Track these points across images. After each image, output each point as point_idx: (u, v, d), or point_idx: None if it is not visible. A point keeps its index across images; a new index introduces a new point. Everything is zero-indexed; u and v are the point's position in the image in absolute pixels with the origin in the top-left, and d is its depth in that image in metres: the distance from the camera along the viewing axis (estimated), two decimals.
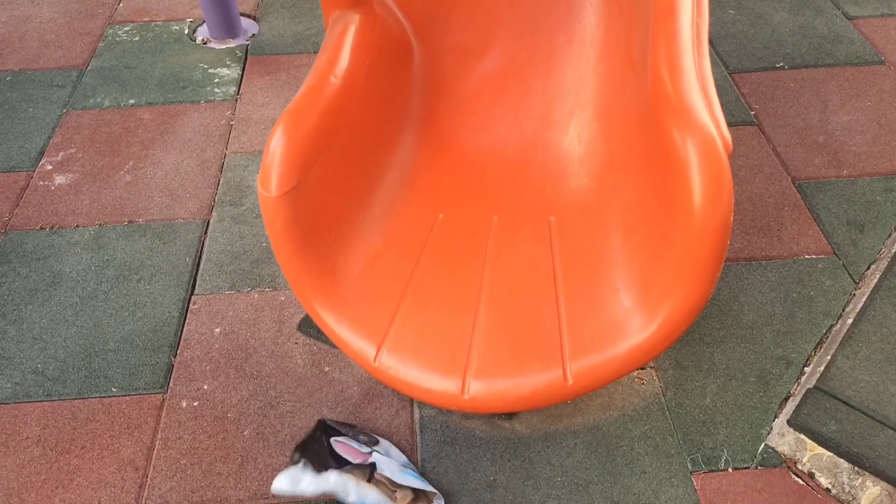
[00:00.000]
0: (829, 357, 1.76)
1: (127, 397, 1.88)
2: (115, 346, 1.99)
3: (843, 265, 2.11)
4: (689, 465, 1.71)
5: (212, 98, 2.81)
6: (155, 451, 1.76)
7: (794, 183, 2.37)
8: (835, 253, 2.15)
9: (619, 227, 1.73)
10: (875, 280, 1.94)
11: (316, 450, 1.72)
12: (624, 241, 1.69)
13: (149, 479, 1.71)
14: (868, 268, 2.10)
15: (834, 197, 2.32)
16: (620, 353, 1.59)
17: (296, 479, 1.60)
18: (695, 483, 1.67)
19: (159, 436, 1.79)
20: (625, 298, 1.61)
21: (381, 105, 1.97)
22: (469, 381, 1.67)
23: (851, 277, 2.07)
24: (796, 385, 1.83)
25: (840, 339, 1.79)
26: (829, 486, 1.64)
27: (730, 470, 1.70)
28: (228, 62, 2.99)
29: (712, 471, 1.70)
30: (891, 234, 2.18)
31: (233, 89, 2.85)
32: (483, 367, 1.68)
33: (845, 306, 1.99)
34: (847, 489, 1.61)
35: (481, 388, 1.66)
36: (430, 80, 2.11)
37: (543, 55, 2.01)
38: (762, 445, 1.73)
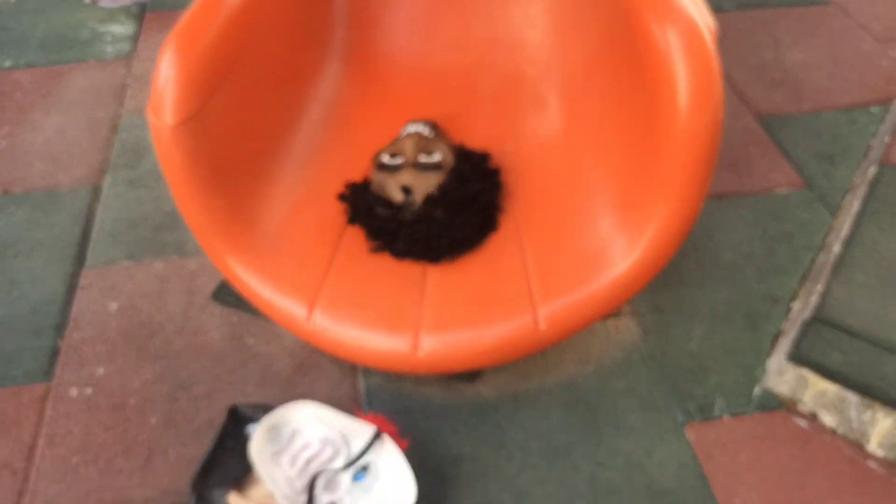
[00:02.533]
0: (820, 288, 1.58)
1: (1, 389, 1.52)
2: None
3: (818, 197, 1.95)
4: (680, 416, 1.48)
5: (102, 57, 2.44)
6: (38, 450, 1.41)
7: (756, 118, 2.21)
8: (807, 185, 1.99)
9: (588, 150, 1.50)
10: (856, 207, 1.77)
11: (233, 448, 1.39)
12: (595, 163, 1.46)
13: (30, 483, 1.36)
14: (843, 198, 1.94)
15: (799, 131, 2.17)
16: (600, 288, 1.34)
17: None
18: (688, 436, 1.45)
19: (43, 431, 1.44)
20: (602, 225, 1.38)
21: (297, 30, 1.68)
22: (422, 337, 1.39)
23: (827, 209, 1.91)
24: (786, 321, 1.64)
25: (830, 267, 1.61)
26: (835, 426, 1.45)
27: (726, 417, 1.48)
28: (122, 19, 2.62)
29: (707, 419, 1.48)
30: (861, 162, 2.04)
31: (127, 47, 2.49)
32: (437, 320, 1.41)
33: (825, 237, 1.82)
34: (855, 426, 1.42)
35: (436, 344, 1.39)
36: (355, 9, 1.83)
37: None
38: (758, 388, 1.53)
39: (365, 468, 1.33)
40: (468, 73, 1.77)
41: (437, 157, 1.47)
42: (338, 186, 1.62)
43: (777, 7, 2.70)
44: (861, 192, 1.84)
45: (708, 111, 1.20)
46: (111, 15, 2.64)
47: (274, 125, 1.59)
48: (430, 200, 1.46)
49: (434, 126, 1.56)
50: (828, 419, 1.45)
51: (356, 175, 1.63)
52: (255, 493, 1.31)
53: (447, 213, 1.45)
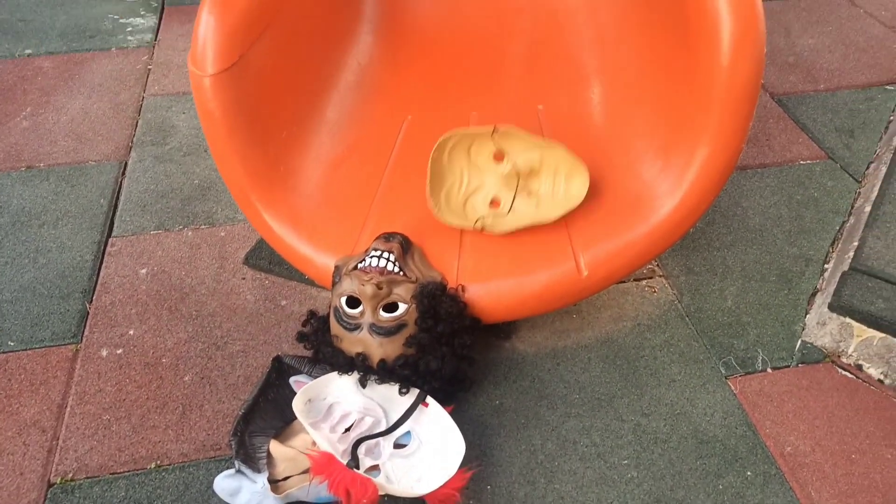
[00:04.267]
0: (855, 243, 1.57)
1: (28, 351, 1.48)
2: (11, 297, 1.59)
3: (842, 167, 1.96)
4: (722, 369, 1.46)
5: (125, 45, 2.46)
6: (68, 409, 1.38)
7: (773, 98, 2.23)
8: (829, 157, 2.00)
9: (624, 100, 1.50)
10: (883, 171, 1.78)
11: (274, 399, 1.36)
12: (633, 112, 1.47)
13: (60, 440, 1.32)
14: (868, 166, 1.95)
15: (816, 108, 2.19)
16: (643, 232, 1.34)
17: (232, 490, 1.23)
18: (732, 387, 1.43)
19: (73, 390, 1.41)
20: (644, 171, 1.38)
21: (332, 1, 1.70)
22: (464, 287, 1.38)
23: (852, 177, 1.92)
24: (821, 280, 1.63)
25: (864, 224, 1.61)
26: (882, 376, 1.43)
27: (769, 370, 1.46)
28: (142, 12, 2.65)
29: (749, 373, 1.46)
30: (883, 134, 2.06)
31: (149, 36, 2.51)
32: (478, 269, 1.40)
33: (854, 201, 1.83)
34: None
35: (478, 293, 1.37)
36: None
37: None
38: (799, 342, 1.51)
39: (407, 434, 1.30)
40: (496, 39, 1.79)
41: (398, 311, 1.29)
42: (371, 148, 1.62)
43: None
44: (886, 157, 1.85)
45: (752, 45, 1.21)
46: (131, 8, 2.67)
47: (309, 86, 1.60)
48: (384, 367, 1.30)
49: (402, 243, 1.35)
50: (874, 370, 1.44)
51: (390, 132, 1.63)
52: (296, 443, 1.28)
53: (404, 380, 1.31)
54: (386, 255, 1.32)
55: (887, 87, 2.27)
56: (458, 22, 1.80)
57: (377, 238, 1.37)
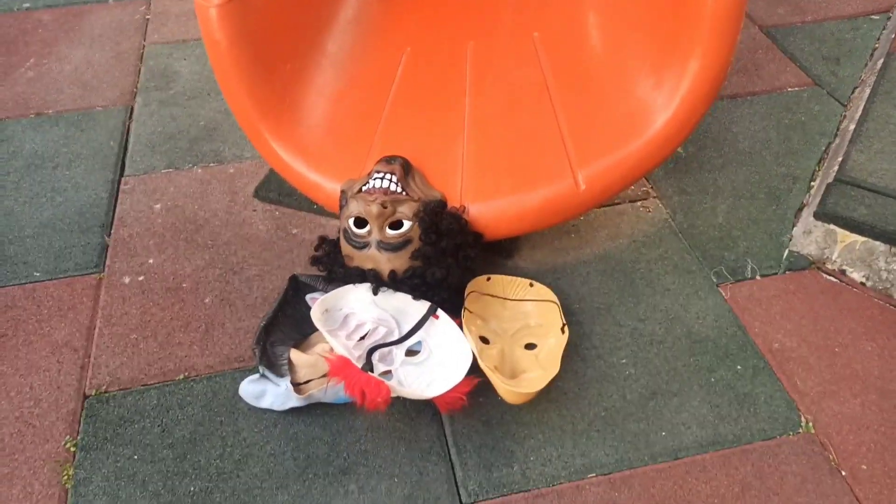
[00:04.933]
0: (840, 158, 1.65)
1: (54, 281, 1.56)
2: (32, 232, 1.66)
3: (828, 93, 2.02)
4: (713, 278, 1.55)
5: None
6: (96, 330, 1.46)
7: (762, 30, 2.29)
8: (816, 83, 2.06)
9: (617, 24, 1.56)
10: (867, 93, 1.85)
11: (291, 315, 1.45)
12: (626, 35, 1.52)
13: (92, 357, 1.40)
14: (853, 91, 2.02)
15: (804, 38, 2.24)
16: (639, 146, 1.40)
17: (257, 394, 1.32)
18: (723, 293, 1.51)
19: (99, 314, 1.48)
20: (638, 87, 1.44)
21: None
22: (466, 207, 1.45)
23: (839, 101, 1.99)
24: (807, 196, 1.71)
25: (848, 141, 1.68)
26: (864, 279, 1.52)
27: (757, 277, 1.55)
28: None
29: (739, 280, 1.54)
30: (868, 61, 2.12)
31: None
32: (480, 189, 1.47)
33: (840, 123, 1.90)
34: (884, 276, 1.49)
35: (481, 211, 1.45)
36: None
37: None
38: (786, 252, 1.59)
39: (419, 343, 1.39)
40: None
41: (403, 228, 1.37)
42: (373, 81, 1.68)
43: None
44: (870, 81, 1.92)
45: None
46: None
47: (310, 21, 1.64)
48: (395, 278, 1.39)
49: (404, 164, 1.42)
50: (857, 274, 1.52)
51: (390, 65, 1.69)
52: (314, 352, 1.36)
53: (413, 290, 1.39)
54: (388, 176, 1.39)
55: (872, 16, 2.32)
56: None
57: (379, 161, 1.44)
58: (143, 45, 2.25)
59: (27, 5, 2.44)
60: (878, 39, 2.20)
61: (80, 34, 2.30)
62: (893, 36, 2.02)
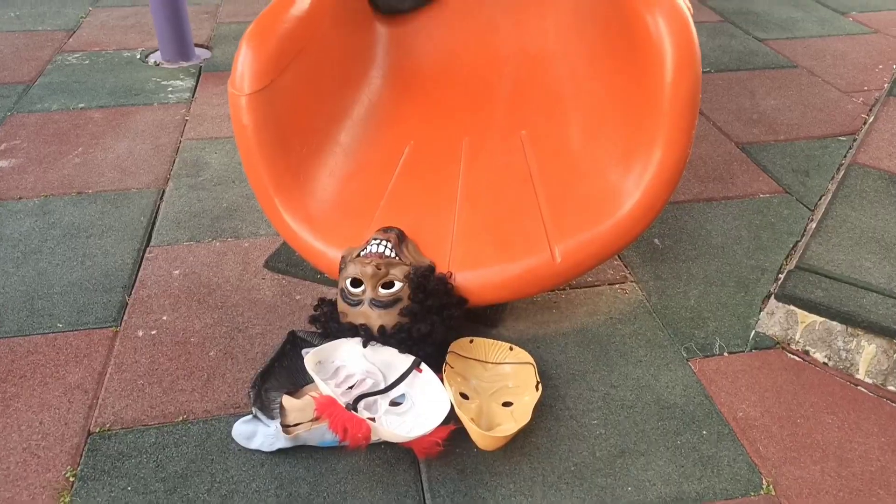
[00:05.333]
0: (800, 250, 1.79)
1: (74, 332, 1.70)
2: (60, 290, 1.82)
3: (797, 199, 2.20)
4: (683, 353, 1.65)
5: (166, 101, 2.79)
6: (107, 375, 1.58)
7: (737, 146, 2.51)
8: (787, 192, 2.24)
9: (594, 118, 1.77)
10: (829, 197, 2.02)
11: (287, 367, 1.57)
12: (600, 126, 1.72)
13: (100, 399, 1.52)
14: (820, 198, 2.19)
15: (776, 154, 2.46)
16: (610, 226, 1.57)
17: (248, 434, 1.42)
18: (692, 367, 1.61)
19: (112, 361, 1.61)
20: (609, 173, 1.62)
21: (348, 43, 2.01)
22: (452, 273, 1.60)
23: (807, 207, 2.16)
24: (774, 285, 1.84)
25: (809, 236, 1.84)
26: (826, 359, 1.61)
27: (725, 354, 1.65)
28: (182, 77, 3.01)
29: (708, 356, 1.64)
30: (837, 171, 2.31)
31: (187, 95, 2.85)
32: (467, 258, 1.62)
33: (807, 225, 2.06)
34: (843, 356, 1.58)
35: (467, 278, 1.60)
36: (395, 39, 2.19)
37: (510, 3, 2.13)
38: (753, 332, 1.70)
39: (402, 396, 1.49)
40: (487, 79, 2.09)
41: (395, 289, 1.51)
42: (378, 166, 1.89)
43: (750, 70, 3.10)
44: (832, 187, 2.10)
45: (691, 72, 1.49)
46: (172, 73, 3.04)
47: (327, 113, 1.88)
48: (384, 333, 1.51)
49: (399, 234, 1.60)
50: (819, 354, 1.62)
51: (395, 154, 1.90)
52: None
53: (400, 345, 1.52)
54: (384, 242, 1.57)
55: (840, 137, 2.55)
56: (455, 67, 2.11)
57: (377, 231, 1.61)
58: (181, 141, 2.52)
59: (82, 105, 2.76)
60: (845, 157, 2.41)
61: (125, 130, 2.58)
62: (855, 151, 2.22)
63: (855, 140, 2.51)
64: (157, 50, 3.25)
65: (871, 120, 2.50)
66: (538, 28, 2.10)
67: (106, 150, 2.45)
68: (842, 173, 2.15)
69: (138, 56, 3.20)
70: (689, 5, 1.55)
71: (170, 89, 2.90)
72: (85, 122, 2.64)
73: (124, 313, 1.75)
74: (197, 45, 3.30)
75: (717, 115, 2.72)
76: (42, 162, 2.38)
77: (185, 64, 3.12)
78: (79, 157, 2.42)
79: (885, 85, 2.94)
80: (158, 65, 3.12)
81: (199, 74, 3.04)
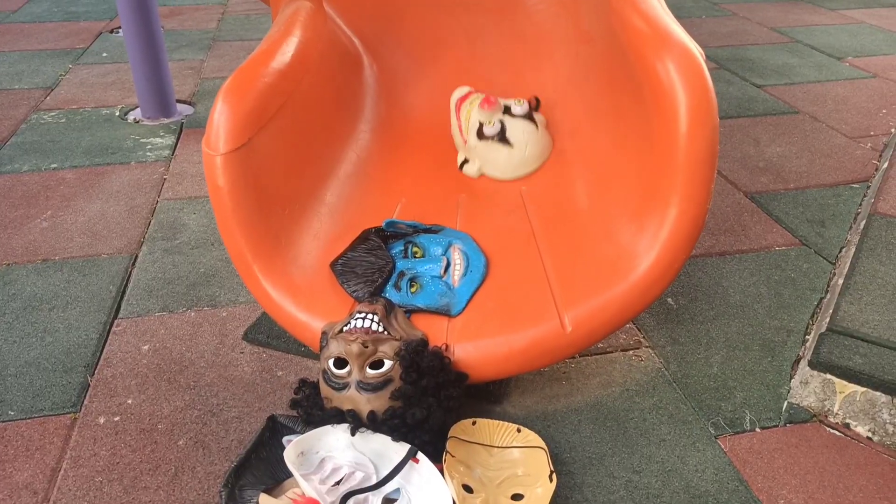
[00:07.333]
0: (831, 309, 1.64)
1: (27, 421, 1.51)
2: (15, 371, 1.64)
3: (815, 251, 2.06)
4: (711, 429, 1.48)
5: (143, 160, 2.66)
6: (61, 472, 1.38)
7: (746, 196, 2.38)
8: (803, 243, 2.11)
9: (602, 174, 1.63)
10: (853, 250, 1.88)
11: (266, 458, 1.38)
12: (608, 184, 1.59)
13: (51, 501, 1.32)
14: (840, 250, 2.05)
15: (788, 204, 2.33)
16: (623, 290, 1.41)
17: None
18: (722, 446, 1.43)
19: (67, 455, 1.42)
20: (620, 234, 1.47)
21: (335, 97, 1.89)
22: (452, 347, 1.43)
23: (826, 259, 2.02)
24: (803, 348, 1.68)
25: (837, 293, 1.69)
26: (870, 434, 1.44)
27: (757, 430, 1.47)
28: (162, 133, 2.89)
29: (738, 432, 1.47)
30: (854, 220, 2.18)
31: (166, 153, 2.72)
32: (466, 329, 1.46)
33: (830, 280, 1.91)
34: (891, 430, 1.42)
35: (467, 351, 1.43)
36: (384, 90, 2.07)
37: (495, 52, 2.02)
38: (785, 403, 1.53)
39: (397, 491, 1.31)
40: None
41: (384, 368, 1.33)
42: (367, 226, 1.73)
43: (751, 116, 3.00)
44: (855, 240, 1.96)
45: (708, 120, 1.35)
46: (152, 130, 2.91)
47: (311, 172, 1.74)
48: (374, 419, 1.33)
49: (386, 305, 1.42)
50: (861, 428, 1.45)
51: (385, 214, 1.75)
52: (285, 496, 1.28)
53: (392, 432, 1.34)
54: (370, 315, 1.39)
55: (853, 185, 2.43)
56: (448, 120, 1.98)
57: (362, 302, 1.44)
58: (157, 201, 2.37)
59: (54, 166, 2.61)
60: (860, 205, 2.29)
61: (98, 191, 2.44)
62: (873, 200, 2.09)
63: (869, 187, 2.39)
64: (137, 107, 3.13)
65: (884, 166, 2.38)
66: (535, 81, 1.99)
67: (77, 213, 2.29)
68: (862, 223, 2.02)
69: (117, 113, 3.08)
70: (700, 50, 1.43)
71: (149, 147, 2.76)
72: (56, 183, 2.49)
73: (85, 397, 1.57)
74: (179, 101, 3.19)
75: (722, 164, 2.61)
76: (7, 227, 2.21)
77: (166, 120, 3.00)
78: (47, 220, 2.26)
79: (893, 130, 2.84)
80: (138, 122, 2.99)
81: (181, 131, 2.92)
